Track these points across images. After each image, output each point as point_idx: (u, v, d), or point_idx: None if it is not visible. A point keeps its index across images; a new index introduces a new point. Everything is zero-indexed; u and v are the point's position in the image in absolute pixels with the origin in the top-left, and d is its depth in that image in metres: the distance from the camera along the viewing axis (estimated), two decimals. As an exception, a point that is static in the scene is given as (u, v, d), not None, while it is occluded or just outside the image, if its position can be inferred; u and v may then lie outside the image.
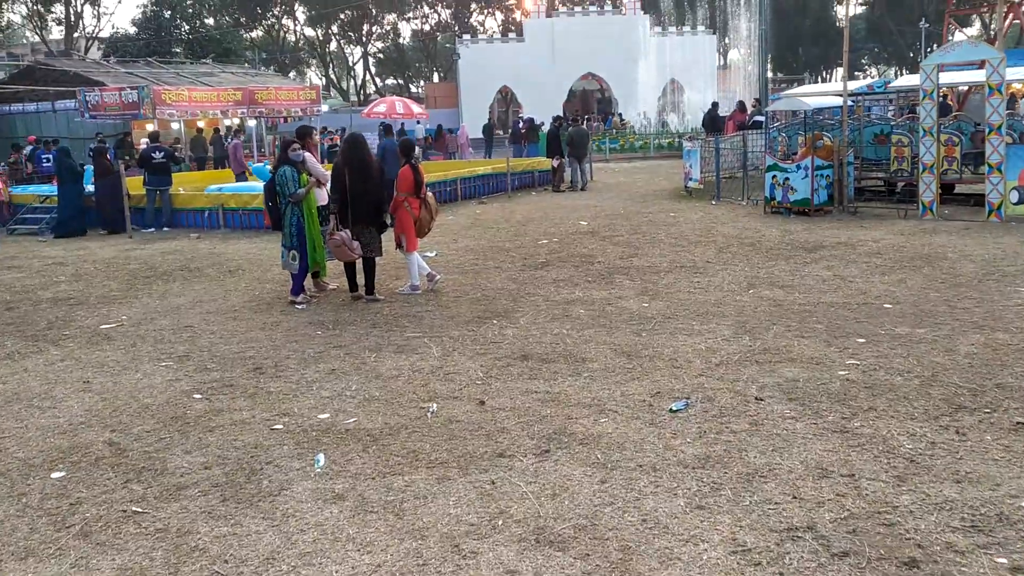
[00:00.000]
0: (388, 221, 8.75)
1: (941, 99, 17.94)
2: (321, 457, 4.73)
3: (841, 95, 14.35)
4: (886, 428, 4.78)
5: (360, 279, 8.80)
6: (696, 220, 13.45)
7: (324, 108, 38.88)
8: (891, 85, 14.94)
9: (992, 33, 36.62)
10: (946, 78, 13.00)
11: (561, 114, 22.35)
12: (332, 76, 68.21)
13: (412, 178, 8.81)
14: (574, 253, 10.94)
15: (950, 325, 6.77)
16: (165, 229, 14.91)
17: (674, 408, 5.20)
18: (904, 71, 62.03)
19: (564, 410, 5.29)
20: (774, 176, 13.66)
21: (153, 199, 15.48)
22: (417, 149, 11.52)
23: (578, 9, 46.24)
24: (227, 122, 27.58)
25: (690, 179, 17.29)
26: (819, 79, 64.80)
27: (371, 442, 4.93)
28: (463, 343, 6.90)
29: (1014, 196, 11.59)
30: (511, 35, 48.71)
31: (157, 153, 15.48)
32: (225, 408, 5.66)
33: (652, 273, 9.42)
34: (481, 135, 34.13)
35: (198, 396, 5.93)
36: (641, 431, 4.90)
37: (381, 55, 67.83)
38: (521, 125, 28.38)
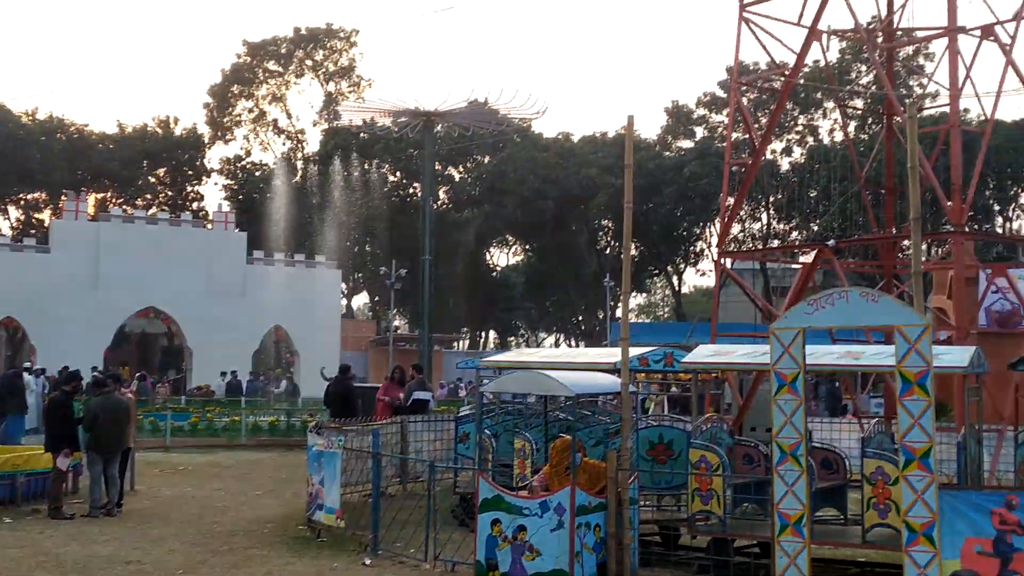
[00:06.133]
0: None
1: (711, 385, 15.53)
2: None
3: (607, 369, 10.84)
4: None
5: None
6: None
7: None
8: (685, 360, 11.58)
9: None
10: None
11: (78, 371, 16.39)
12: None
13: None
14: None
15: None
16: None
17: None
18: (574, 340, 65.70)
19: None
20: (495, 522, 9.62)
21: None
22: None
23: (138, 213, 42.37)
24: None
25: (320, 506, 12.81)
26: (472, 342, 66.57)
27: None
28: None
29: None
30: (28, 241, 44.67)
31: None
32: None
33: None
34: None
35: None
36: None
37: None
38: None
